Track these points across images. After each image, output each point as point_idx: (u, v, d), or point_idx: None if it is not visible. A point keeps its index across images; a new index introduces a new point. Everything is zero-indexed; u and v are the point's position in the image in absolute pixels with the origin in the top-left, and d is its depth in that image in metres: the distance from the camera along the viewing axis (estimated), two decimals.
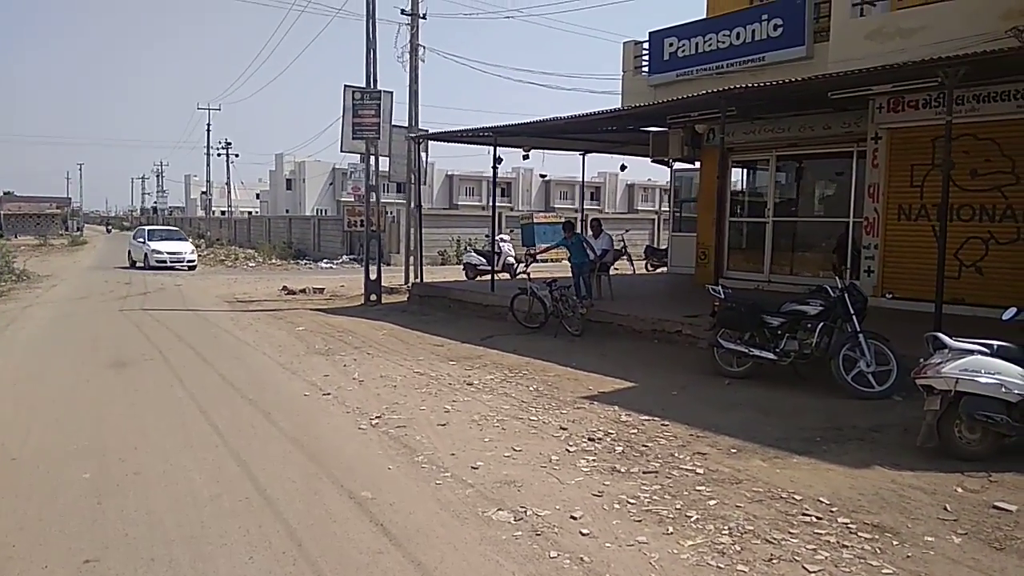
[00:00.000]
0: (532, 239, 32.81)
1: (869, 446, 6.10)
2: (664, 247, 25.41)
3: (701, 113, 12.13)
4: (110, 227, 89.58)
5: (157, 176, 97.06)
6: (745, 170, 15.51)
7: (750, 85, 9.57)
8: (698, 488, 5.10)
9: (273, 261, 33.24)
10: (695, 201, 17.21)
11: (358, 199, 31.36)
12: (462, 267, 22.10)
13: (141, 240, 29.92)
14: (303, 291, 18.83)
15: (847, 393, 7.46)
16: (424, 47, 18.70)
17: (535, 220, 34.40)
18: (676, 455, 5.84)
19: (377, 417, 6.95)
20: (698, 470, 5.47)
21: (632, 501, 4.86)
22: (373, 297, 16.03)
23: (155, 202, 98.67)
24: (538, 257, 14.15)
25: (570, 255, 12.45)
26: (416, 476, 5.40)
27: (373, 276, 16.09)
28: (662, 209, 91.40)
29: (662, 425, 6.66)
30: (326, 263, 31.60)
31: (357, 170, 29.68)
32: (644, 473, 5.40)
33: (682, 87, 13.89)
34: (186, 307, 15.90)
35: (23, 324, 13.11)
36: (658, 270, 22.72)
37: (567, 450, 5.95)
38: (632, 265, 20.59)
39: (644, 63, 15.09)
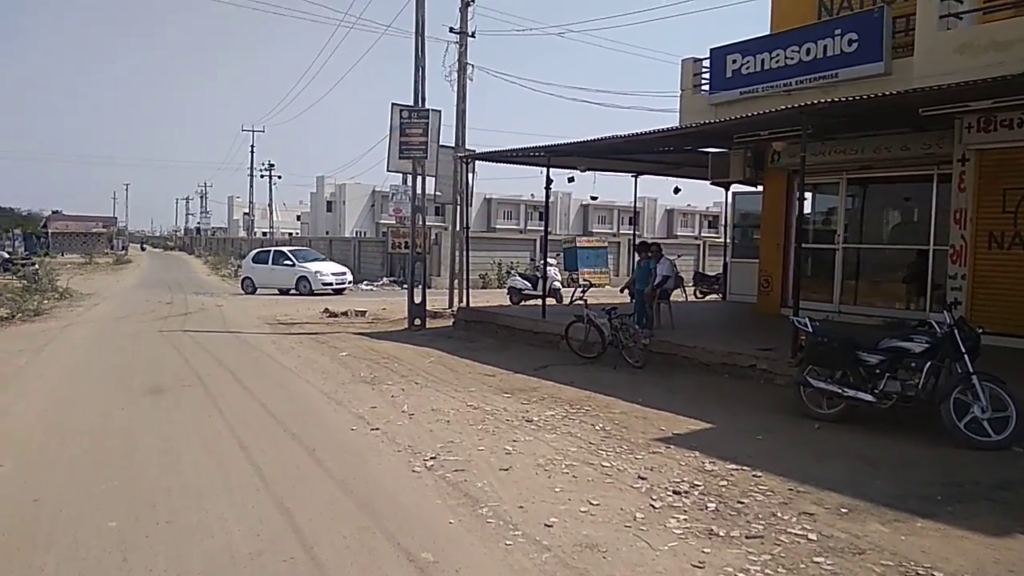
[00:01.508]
0: (575, 263, 32.13)
1: (1001, 507, 5.27)
2: (713, 273, 24.52)
3: (772, 132, 11.37)
4: (144, 245, 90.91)
5: (201, 197, 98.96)
6: (811, 194, 14.66)
7: (836, 100, 8.81)
8: (816, 559, 4.33)
9: None
10: (756, 227, 16.39)
11: (399, 221, 30.93)
12: (506, 291, 21.47)
13: (288, 263, 25.95)
14: (345, 314, 18.37)
15: (959, 442, 6.60)
16: (472, 65, 18.27)
17: (578, 244, 33.71)
18: (779, 515, 5.07)
19: (432, 458, 6.29)
20: (810, 535, 4.70)
21: None
22: (417, 322, 15.45)
23: (199, 222, 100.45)
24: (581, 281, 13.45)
25: (635, 280, 11.69)
26: (482, 534, 4.71)
27: (418, 300, 15.52)
28: (702, 235, 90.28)
29: (753, 476, 5.89)
30: (367, 285, 31.26)
31: (399, 192, 29.33)
32: (747, 538, 4.64)
33: (746, 105, 13.15)
34: (227, 329, 15.49)
35: (60, 345, 12.77)
36: (707, 297, 21.83)
37: (652, 505, 5.21)
38: (685, 292, 19.76)
39: (704, 81, 14.42)
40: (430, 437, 6.97)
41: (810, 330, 7.72)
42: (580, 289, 11.63)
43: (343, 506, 5.18)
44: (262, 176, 60.22)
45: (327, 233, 73.36)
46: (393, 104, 14.78)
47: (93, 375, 10.04)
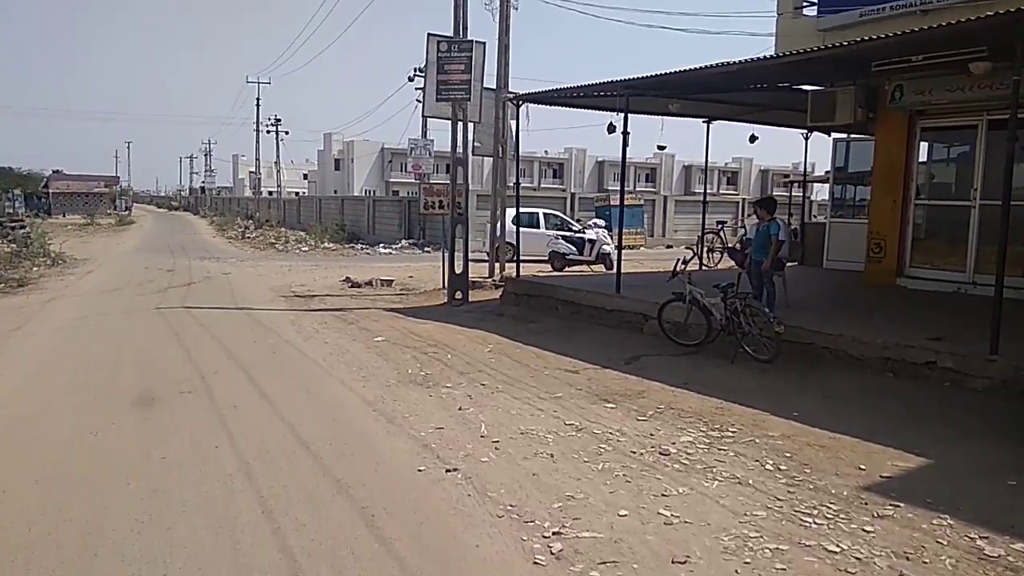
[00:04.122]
0: (610, 223, 29.77)
1: None
2: None
3: (928, 56, 8.95)
4: (129, 204, 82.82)
5: (205, 155, 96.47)
6: (931, 142, 12.20)
7: None
8: None
9: (326, 245, 30.81)
10: (854, 182, 13.98)
11: (418, 178, 28.43)
12: (547, 256, 19.22)
13: (574, 229, 20.95)
14: (369, 283, 16.15)
15: None
16: None
17: (611, 202, 31.31)
18: None
19: (555, 533, 4.11)
20: None
21: None
22: (459, 295, 13.20)
23: (203, 182, 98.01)
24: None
25: (751, 247, 9.39)
26: None
27: (459, 269, 13.25)
28: (720, 192, 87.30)
29: None
30: (384, 248, 29.04)
31: (417, 146, 26.90)
32: None
33: (866, 29, 10.72)
34: (236, 304, 13.28)
35: (36, 328, 10.60)
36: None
37: None
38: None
39: (808, 3, 11.92)
40: (536, 487, 4.78)
41: None
42: (681, 261, 9.31)
43: None
44: (268, 132, 57.60)
45: (335, 192, 70.96)
46: (429, 35, 12.32)
47: (66, 376, 7.83)
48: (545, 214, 23.08)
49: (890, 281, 11.84)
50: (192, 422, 6.13)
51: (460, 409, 6.55)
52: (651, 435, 5.83)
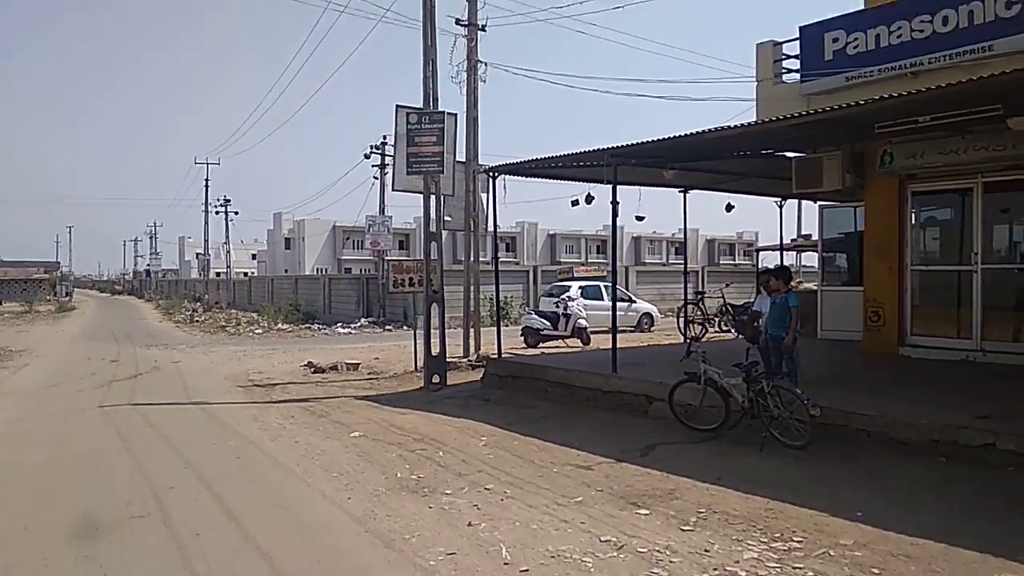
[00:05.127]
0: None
1: None
2: (742, 303, 21.74)
3: (935, 117, 8.55)
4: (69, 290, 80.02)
5: (150, 238, 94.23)
6: (924, 206, 11.86)
7: None
8: None
9: (281, 327, 29.44)
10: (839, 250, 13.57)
11: (376, 255, 27.82)
12: (520, 332, 18.35)
13: (626, 300, 22.30)
14: (334, 368, 15.03)
15: None
16: (485, 63, 15.24)
17: (575, 273, 30.84)
18: None
19: None
20: None
21: None
22: (436, 379, 12.21)
23: (148, 264, 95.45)
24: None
25: (763, 322, 8.64)
26: None
27: (436, 350, 12.30)
28: (670, 262, 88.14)
29: None
30: (343, 328, 27.83)
31: (375, 223, 26.38)
32: None
33: (855, 93, 10.44)
34: (189, 398, 12.04)
35: None
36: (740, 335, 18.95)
37: None
38: (707, 328, 16.74)
39: (785, 70, 11.69)
40: None
41: None
42: (693, 338, 8.55)
43: None
44: (217, 212, 56.26)
45: (286, 271, 69.57)
46: (398, 107, 11.68)
47: None
48: (605, 286, 22.89)
49: (892, 351, 11.29)
50: (147, 559, 5.00)
51: (470, 525, 5.55)
52: (706, 551, 4.92)
